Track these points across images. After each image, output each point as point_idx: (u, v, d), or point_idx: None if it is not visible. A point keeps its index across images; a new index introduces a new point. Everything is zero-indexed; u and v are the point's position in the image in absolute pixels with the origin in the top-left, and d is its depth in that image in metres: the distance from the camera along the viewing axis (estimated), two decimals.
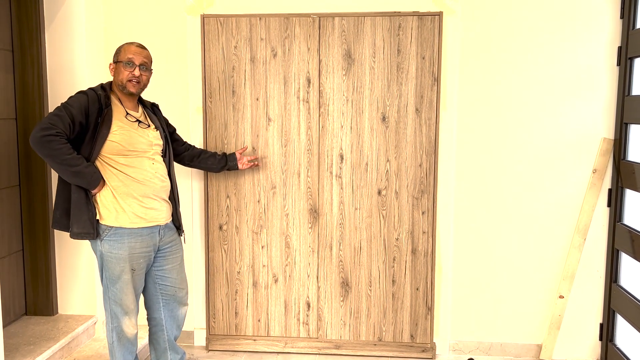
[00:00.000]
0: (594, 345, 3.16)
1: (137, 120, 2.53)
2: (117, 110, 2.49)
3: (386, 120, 3.13)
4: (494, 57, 3.06)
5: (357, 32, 3.09)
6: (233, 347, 3.33)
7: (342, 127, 3.16)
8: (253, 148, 3.20)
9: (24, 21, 3.02)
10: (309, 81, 3.14)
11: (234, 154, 3.07)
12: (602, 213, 3.08)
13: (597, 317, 3.14)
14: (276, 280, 3.29)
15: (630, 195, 2.93)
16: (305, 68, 3.14)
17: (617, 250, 3.01)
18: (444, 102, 3.10)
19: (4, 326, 3.02)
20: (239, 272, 3.30)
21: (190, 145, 2.96)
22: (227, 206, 3.26)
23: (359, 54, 3.11)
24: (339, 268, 3.25)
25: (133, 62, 2.49)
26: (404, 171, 3.16)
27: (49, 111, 3.08)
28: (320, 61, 3.13)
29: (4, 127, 2.99)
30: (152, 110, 2.70)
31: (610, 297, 3.05)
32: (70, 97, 2.43)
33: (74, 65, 3.08)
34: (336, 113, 3.15)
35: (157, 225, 2.57)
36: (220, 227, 3.27)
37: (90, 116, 2.39)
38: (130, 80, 2.49)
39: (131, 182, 2.47)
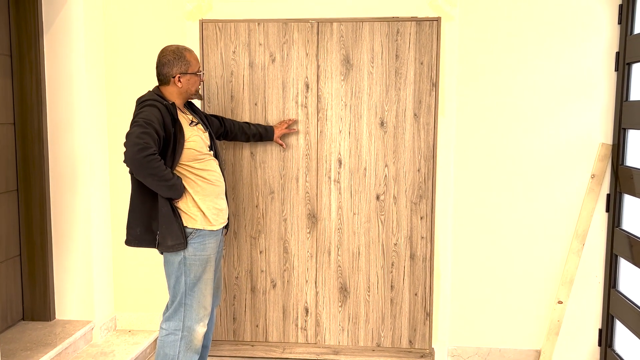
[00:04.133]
0: (593, 350, 3.15)
1: (196, 122, 2.58)
2: (182, 118, 2.53)
3: (384, 125, 3.14)
4: (492, 62, 3.07)
5: (356, 38, 3.10)
6: (231, 352, 3.32)
7: (340, 132, 3.16)
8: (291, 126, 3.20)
9: (22, 26, 3.02)
10: (307, 86, 3.14)
11: (272, 128, 3.10)
12: (601, 218, 3.07)
13: (596, 322, 3.14)
14: (274, 286, 3.28)
15: (628, 200, 2.93)
16: (304, 73, 3.14)
17: (616, 256, 3.01)
18: (442, 107, 3.10)
19: (1, 331, 3.01)
20: (237, 278, 3.30)
21: (227, 122, 2.99)
22: None
23: (358, 59, 3.11)
24: (337, 273, 3.24)
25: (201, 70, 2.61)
26: (402, 176, 3.16)
27: (47, 116, 3.09)
28: (318, 66, 3.13)
29: (2, 132, 2.99)
30: (192, 109, 2.71)
31: (609, 302, 3.04)
32: (144, 112, 2.37)
33: (72, 70, 3.08)
34: (334, 118, 3.15)
35: (224, 224, 2.65)
36: None
37: (167, 128, 2.41)
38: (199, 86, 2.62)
39: (207, 185, 2.53)
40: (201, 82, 2.61)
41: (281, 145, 3.14)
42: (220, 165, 2.66)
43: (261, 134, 3.06)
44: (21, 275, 3.15)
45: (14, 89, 3.05)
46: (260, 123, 3.15)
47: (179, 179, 2.45)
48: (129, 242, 2.51)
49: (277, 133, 3.09)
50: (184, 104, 2.63)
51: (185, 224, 2.48)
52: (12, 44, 3.04)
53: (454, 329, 3.23)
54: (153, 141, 2.31)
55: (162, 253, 2.54)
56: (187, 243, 2.47)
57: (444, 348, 3.24)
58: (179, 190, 2.44)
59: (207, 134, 2.62)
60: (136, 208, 2.48)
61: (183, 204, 2.49)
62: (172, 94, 2.52)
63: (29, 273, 3.15)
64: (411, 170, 3.15)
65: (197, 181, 2.50)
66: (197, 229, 2.50)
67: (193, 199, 2.49)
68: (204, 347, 2.81)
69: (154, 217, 2.46)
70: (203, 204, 2.51)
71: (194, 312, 2.53)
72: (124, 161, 2.30)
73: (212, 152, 2.61)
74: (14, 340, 2.93)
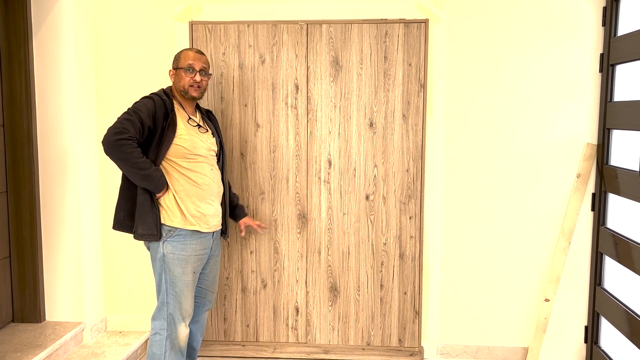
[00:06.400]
0: (579, 347, 3.20)
1: (198, 124, 2.61)
2: (180, 115, 2.56)
3: (373, 126, 3.16)
4: (480, 64, 3.10)
5: (345, 39, 3.13)
6: (222, 352, 3.33)
7: (330, 132, 3.18)
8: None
9: (11, 28, 3.01)
10: (297, 87, 3.16)
11: (245, 214, 3.02)
12: (587, 217, 3.12)
13: (582, 319, 3.18)
14: (265, 286, 3.30)
15: (613, 199, 2.98)
16: (294, 74, 3.16)
17: (601, 254, 3.05)
18: (430, 108, 3.13)
19: None
20: (227, 278, 3.31)
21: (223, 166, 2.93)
22: None
23: (347, 60, 3.14)
24: (328, 273, 3.26)
25: (193, 68, 2.58)
26: (391, 176, 3.19)
27: (37, 117, 3.08)
28: (308, 68, 3.15)
29: None
30: (207, 116, 2.76)
31: (595, 300, 3.09)
32: (137, 102, 2.49)
33: (61, 71, 3.08)
34: (324, 119, 3.18)
35: (212, 230, 2.64)
36: None
37: (157, 120, 2.46)
38: (191, 86, 2.59)
39: (190, 186, 2.54)
40: (192, 81, 2.55)
41: (241, 231, 3.02)
42: (222, 174, 2.70)
43: (235, 205, 2.96)
44: (11, 276, 3.14)
45: (3, 90, 3.05)
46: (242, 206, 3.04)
47: (159, 171, 2.46)
48: (114, 225, 2.57)
49: (246, 220, 3.01)
50: (197, 108, 2.69)
51: (164, 221, 2.51)
52: (1, 45, 3.03)
53: (442, 327, 3.27)
54: (134, 129, 2.37)
55: (146, 245, 2.60)
56: (160, 236, 2.49)
57: (433, 346, 3.27)
58: (155, 182, 2.44)
59: (213, 140, 2.66)
60: (122, 193, 2.54)
61: (166, 200, 2.52)
62: (173, 89, 2.63)
63: (18, 274, 3.14)
64: (400, 170, 3.18)
65: (180, 180, 2.52)
66: (175, 227, 2.51)
67: (174, 196, 2.52)
68: (193, 349, 2.82)
69: (135, 204, 2.51)
70: (183, 204, 2.52)
71: (177, 311, 2.55)
72: (102, 142, 2.38)
73: (214, 158, 2.64)
74: (3, 342, 2.92)
